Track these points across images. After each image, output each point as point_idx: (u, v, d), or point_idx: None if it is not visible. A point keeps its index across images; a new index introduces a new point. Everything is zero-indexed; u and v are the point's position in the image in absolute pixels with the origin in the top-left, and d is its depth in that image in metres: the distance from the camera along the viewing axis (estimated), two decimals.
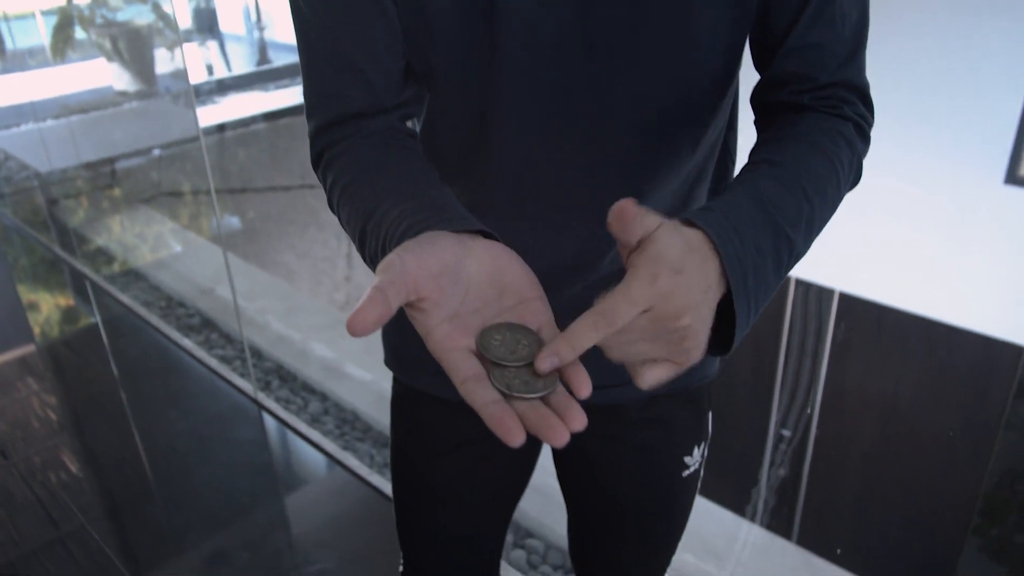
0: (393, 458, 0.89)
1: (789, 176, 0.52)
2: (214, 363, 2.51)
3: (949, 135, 1.42)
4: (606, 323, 0.41)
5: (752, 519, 2.14)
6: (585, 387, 0.43)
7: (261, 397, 2.31)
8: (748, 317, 0.46)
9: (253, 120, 5.50)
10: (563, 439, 0.40)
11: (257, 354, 2.68)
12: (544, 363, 0.42)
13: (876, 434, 2.10)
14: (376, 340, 0.86)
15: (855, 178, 0.59)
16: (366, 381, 2.51)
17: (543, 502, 1.79)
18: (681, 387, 0.78)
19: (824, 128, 0.57)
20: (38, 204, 4.37)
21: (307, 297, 3.46)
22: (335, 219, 0.60)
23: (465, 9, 0.56)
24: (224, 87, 5.88)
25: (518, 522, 1.89)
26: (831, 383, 2.09)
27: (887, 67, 1.42)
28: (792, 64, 0.58)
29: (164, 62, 4.88)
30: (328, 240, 3.88)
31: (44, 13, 4.79)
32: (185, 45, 5.47)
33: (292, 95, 5.65)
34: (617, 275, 0.43)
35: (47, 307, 3.12)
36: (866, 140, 0.60)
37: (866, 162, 0.61)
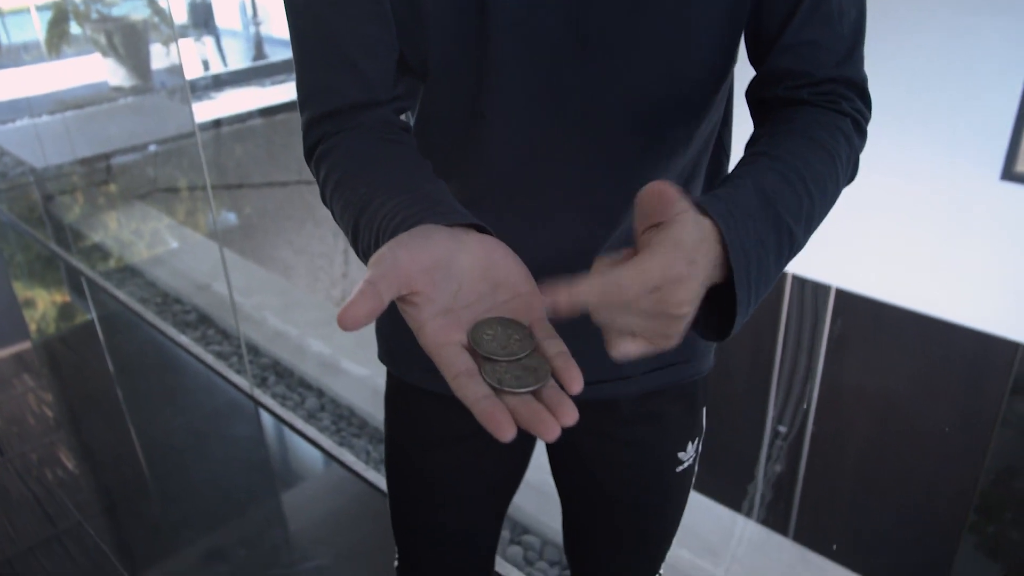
0: (387, 453, 0.89)
1: (790, 170, 0.52)
2: (210, 359, 2.51)
3: (945, 131, 1.42)
4: (613, 293, 0.41)
5: (748, 515, 2.15)
6: (576, 382, 0.42)
7: (257, 393, 2.31)
8: (748, 308, 0.47)
9: (249, 116, 5.49)
10: (554, 434, 0.40)
11: (253, 350, 2.68)
12: (548, 293, 0.42)
13: (872, 430, 2.10)
14: (373, 336, 0.86)
15: (852, 173, 0.59)
16: (363, 377, 2.51)
17: (540, 498, 1.79)
18: (674, 383, 0.78)
19: (822, 123, 0.57)
20: (34, 200, 4.35)
21: (304, 293, 3.46)
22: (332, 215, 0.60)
23: (458, 2, 0.56)
24: (220, 82, 5.85)
25: (515, 518, 1.89)
26: (827, 379, 2.09)
27: (883, 63, 1.42)
28: (788, 61, 0.58)
29: (160, 57, 4.87)
30: (325, 236, 3.87)
31: (39, 8, 4.77)
32: (181, 40, 5.45)
33: (288, 91, 5.63)
34: None
35: (43, 303, 3.11)
36: (863, 136, 0.60)
37: (863, 158, 0.61)
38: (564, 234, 0.66)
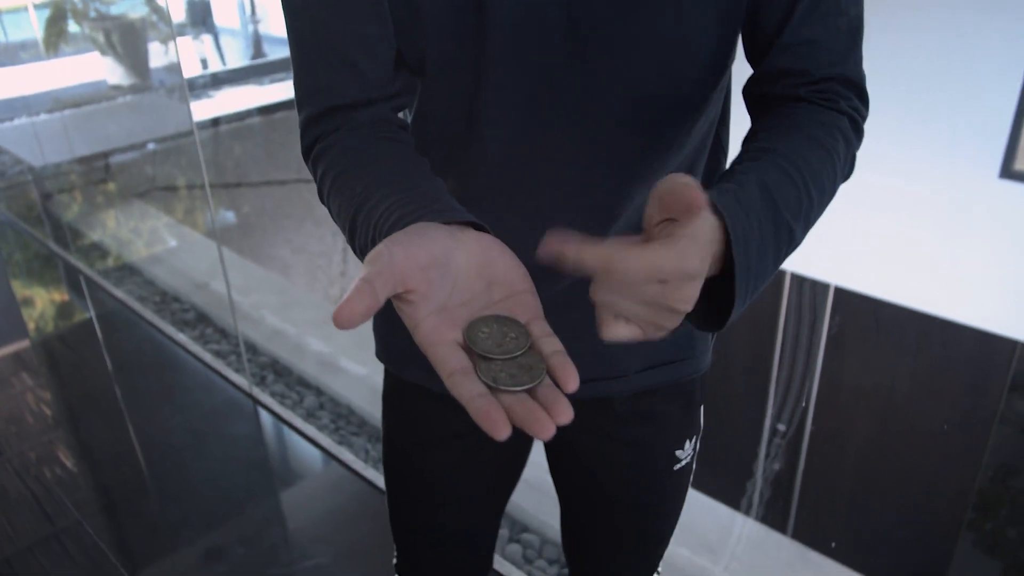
0: (385, 451, 0.89)
1: (790, 167, 0.52)
2: (209, 358, 2.50)
3: (944, 129, 1.42)
4: (617, 271, 0.41)
5: (747, 513, 2.15)
6: (572, 381, 0.42)
7: (256, 392, 2.31)
8: (744, 303, 0.47)
9: (248, 114, 5.48)
10: (549, 432, 0.40)
11: (252, 349, 2.67)
12: (550, 244, 0.42)
13: (871, 428, 2.11)
14: (371, 334, 0.85)
15: (848, 172, 0.60)
16: (362, 376, 2.51)
17: (539, 497, 1.79)
18: (672, 381, 0.77)
19: (821, 121, 0.57)
20: (32, 199, 4.35)
21: (302, 292, 3.45)
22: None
23: (456, 1, 0.56)
24: (218, 81, 5.85)
25: (514, 517, 1.89)
26: (826, 377, 2.09)
27: (883, 62, 1.42)
28: (787, 59, 0.58)
29: (158, 56, 4.86)
30: (323, 235, 3.87)
31: (37, 7, 4.76)
32: (179, 39, 5.45)
33: (287, 89, 5.62)
34: None
35: (41, 302, 3.11)
36: (860, 134, 0.60)
37: (861, 156, 0.61)
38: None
